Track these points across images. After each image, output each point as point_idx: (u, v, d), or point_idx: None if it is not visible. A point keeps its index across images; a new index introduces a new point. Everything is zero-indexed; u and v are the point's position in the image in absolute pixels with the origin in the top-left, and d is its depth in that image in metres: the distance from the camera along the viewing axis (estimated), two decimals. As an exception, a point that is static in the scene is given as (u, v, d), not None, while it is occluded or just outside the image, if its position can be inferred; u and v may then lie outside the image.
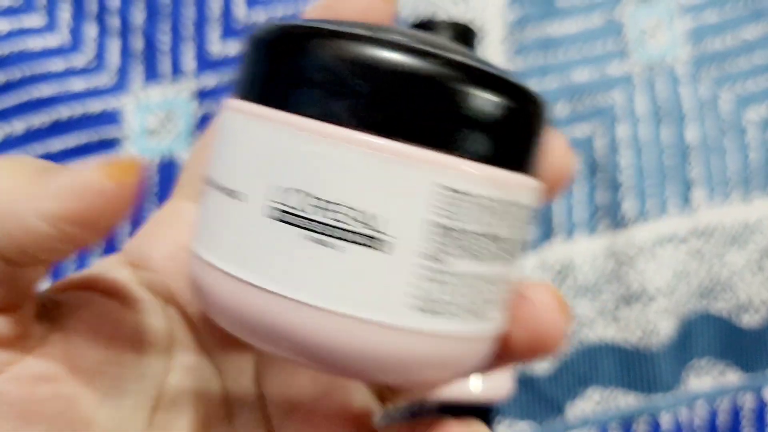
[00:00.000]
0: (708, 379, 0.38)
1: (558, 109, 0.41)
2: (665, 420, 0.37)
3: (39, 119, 0.40)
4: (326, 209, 0.15)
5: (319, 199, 0.15)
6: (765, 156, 0.41)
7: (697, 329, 0.39)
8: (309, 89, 0.15)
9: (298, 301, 0.15)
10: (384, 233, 0.15)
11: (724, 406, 0.38)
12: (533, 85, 0.42)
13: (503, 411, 0.38)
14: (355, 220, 0.15)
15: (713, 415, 0.38)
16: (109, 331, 0.19)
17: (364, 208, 0.15)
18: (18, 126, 0.40)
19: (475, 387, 0.33)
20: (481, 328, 0.16)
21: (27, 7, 0.41)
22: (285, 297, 0.15)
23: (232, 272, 0.16)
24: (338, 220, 0.15)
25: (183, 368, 0.20)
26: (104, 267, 0.20)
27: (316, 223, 0.15)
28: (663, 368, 0.38)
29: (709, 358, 0.38)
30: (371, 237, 0.15)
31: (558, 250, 0.40)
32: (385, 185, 0.15)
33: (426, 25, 0.37)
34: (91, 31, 0.41)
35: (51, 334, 0.18)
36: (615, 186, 0.40)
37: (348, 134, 0.15)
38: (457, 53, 0.15)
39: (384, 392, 0.22)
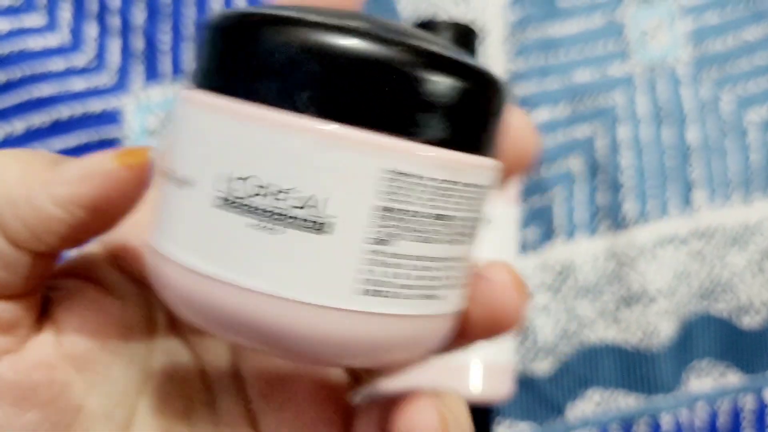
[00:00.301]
0: (708, 381, 0.38)
1: (559, 110, 0.42)
2: (666, 421, 0.38)
3: (39, 119, 0.40)
4: (271, 195, 0.15)
5: (264, 186, 0.15)
6: (766, 157, 0.41)
7: (698, 330, 0.39)
8: (252, 75, 0.15)
9: (246, 288, 0.15)
10: (329, 217, 0.15)
11: (724, 408, 0.38)
12: (534, 86, 0.43)
13: (503, 412, 0.38)
14: (300, 205, 0.15)
15: (714, 417, 0.38)
16: (96, 318, 0.19)
17: (308, 193, 0.15)
18: (18, 125, 0.40)
19: (475, 387, 0.34)
20: (436, 309, 0.16)
21: (27, 6, 0.42)
22: (234, 285, 0.15)
23: (183, 262, 0.16)
24: (283, 207, 0.15)
25: (164, 353, 0.20)
26: (84, 255, 0.21)
27: (262, 210, 0.15)
28: (663, 369, 0.38)
29: (709, 360, 0.39)
30: (315, 222, 0.15)
31: (559, 251, 0.40)
32: (330, 170, 0.15)
33: (427, 26, 0.37)
34: (91, 30, 0.42)
35: (44, 321, 0.18)
36: (616, 187, 0.41)
37: (291, 120, 0.15)
38: (411, 37, 0.15)
39: (359, 372, 0.22)
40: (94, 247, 0.21)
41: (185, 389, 0.21)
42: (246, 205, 0.15)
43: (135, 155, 0.17)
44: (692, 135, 0.41)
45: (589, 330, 0.39)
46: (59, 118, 0.40)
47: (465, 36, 0.38)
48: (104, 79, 0.41)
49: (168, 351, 0.21)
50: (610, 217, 0.40)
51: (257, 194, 0.15)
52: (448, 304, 0.17)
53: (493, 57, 0.43)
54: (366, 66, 0.15)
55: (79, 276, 0.20)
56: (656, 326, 0.39)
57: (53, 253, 0.18)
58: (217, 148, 0.15)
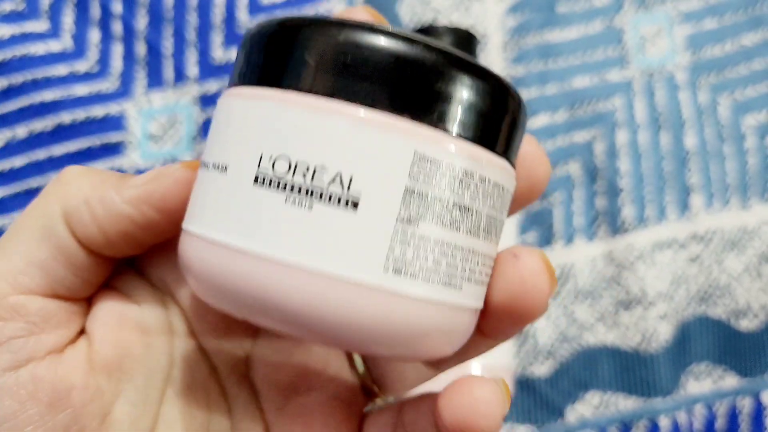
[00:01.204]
0: (706, 383, 0.39)
1: (558, 116, 0.43)
2: (664, 424, 0.38)
3: (42, 124, 0.41)
4: (307, 174, 0.16)
5: (299, 164, 0.16)
6: (763, 162, 0.42)
7: (696, 334, 0.40)
8: (291, 67, 0.17)
9: (279, 261, 0.16)
10: (359, 195, 0.16)
11: (722, 410, 0.39)
12: (533, 91, 0.44)
13: (503, 415, 0.39)
14: (333, 182, 0.16)
15: (711, 419, 0.38)
16: (118, 324, 0.20)
17: (340, 170, 0.16)
18: (21, 131, 0.41)
19: None
20: (458, 299, 0.17)
21: (30, 12, 0.42)
22: (268, 258, 0.16)
23: (216, 238, 0.17)
24: (317, 184, 0.16)
25: (184, 362, 0.21)
26: None
27: (297, 187, 0.16)
28: (662, 372, 0.39)
29: (707, 363, 0.39)
30: (347, 199, 0.16)
31: (558, 255, 0.41)
32: (360, 150, 0.16)
33: (427, 31, 0.38)
34: (94, 36, 0.43)
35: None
36: (614, 192, 0.41)
37: (327, 104, 0.16)
38: (429, 38, 0.17)
39: (372, 387, 0.23)
40: None
41: (204, 398, 0.21)
42: (283, 182, 0.16)
43: (198, 163, 0.19)
44: (690, 140, 0.42)
45: (588, 333, 0.40)
46: (62, 123, 0.41)
47: (465, 41, 0.39)
48: (106, 84, 0.42)
49: (190, 362, 0.21)
50: (609, 221, 0.41)
51: (293, 173, 0.16)
52: (470, 298, 0.18)
53: (492, 63, 0.44)
54: (394, 59, 0.16)
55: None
56: (655, 329, 0.39)
57: (116, 258, 0.19)
58: (255, 132, 0.17)
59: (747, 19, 0.44)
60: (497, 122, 0.18)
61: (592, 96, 0.43)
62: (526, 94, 0.43)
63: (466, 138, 0.17)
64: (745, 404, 0.38)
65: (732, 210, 0.41)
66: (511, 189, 0.19)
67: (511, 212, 0.20)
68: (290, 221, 0.16)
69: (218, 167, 0.17)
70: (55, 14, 0.43)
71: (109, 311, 0.20)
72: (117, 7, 0.43)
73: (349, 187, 0.16)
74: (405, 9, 0.44)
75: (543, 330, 0.40)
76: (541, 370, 0.39)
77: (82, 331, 0.20)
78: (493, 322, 0.19)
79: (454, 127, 0.17)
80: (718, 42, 0.44)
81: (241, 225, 0.17)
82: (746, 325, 0.40)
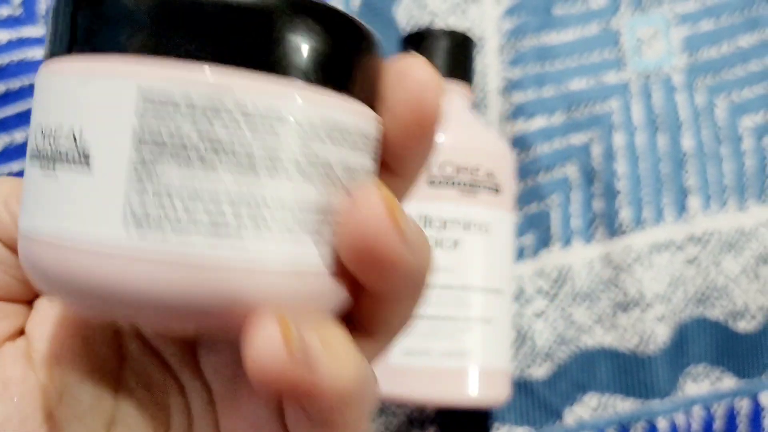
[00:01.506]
0: (704, 385, 0.39)
1: (555, 118, 0.43)
2: (662, 425, 0.39)
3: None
4: (49, 138, 0.15)
5: (45, 130, 0.15)
6: (761, 163, 0.42)
7: (694, 335, 0.40)
8: (50, 35, 0.16)
9: (42, 240, 0.15)
10: (89, 149, 0.15)
11: (720, 412, 0.39)
12: (530, 94, 0.44)
13: (501, 416, 0.39)
14: (66, 141, 0.15)
15: (709, 421, 0.39)
16: (61, 323, 0.20)
17: (71, 127, 0.15)
18: (18, 136, 0.41)
19: (472, 392, 0.35)
20: (235, 252, 0.15)
21: (27, 17, 0.43)
22: (36, 239, 0.15)
23: (20, 228, 0.16)
24: (55, 147, 0.15)
25: (136, 360, 0.21)
26: None
27: (44, 154, 0.15)
28: (660, 374, 0.39)
29: (705, 364, 0.40)
30: (77, 155, 0.15)
31: (555, 258, 0.41)
32: (87, 101, 0.15)
33: (423, 35, 0.39)
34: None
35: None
36: (612, 194, 0.42)
37: (60, 65, 0.16)
38: None
39: None
40: None
41: (162, 395, 0.22)
42: (38, 153, 0.16)
43: None
44: (687, 142, 0.42)
45: (585, 335, 0.40)
46: (59, 128, 0.41)
47: (461, 45, 0.39)
48: (104, 89, 0.42)
49: (138, 357, 0.22)
50: (606, 223, 0.42)
51: (42, 139, 0.15)
52: (263, 248, 0.15)
53: (489, 66, 0.44)
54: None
55: None
56: (652, 331, 0.40)
57: None
58: (35, 106, 0.16)
59: (743, 21, 0.44)
60: (245, 30, 0.15)
61: (589, 98, 0.43)
62: (522, 96, 0.43)
63: (211, 62, 0.15)
64: (743, 405, 0.39)
65: (729, 212, 0.41)
66: (324, 115, 0.16)
67: (419, 148, 0.18)
68: (42, 192, 0.15)
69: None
70: (52, 19, 0.43)
71: (50, 311, 0.20)
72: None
73: (79, 141, 0.15)
74: (401, 12, 0.44)
75: (541, 332, 0.40)
76: (539, 372, 0.40)
77: (22, 332, 0.20)
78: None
79: (182, 51, 0.15)
80: (715, 44, 0.44)
81: (25, 208, 0.16)
82: (744, 326, 0.40)
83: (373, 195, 0.16)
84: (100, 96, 0.15)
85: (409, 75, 0.17)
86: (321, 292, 0.16)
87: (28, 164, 0.16)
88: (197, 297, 0.15)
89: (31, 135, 0.16)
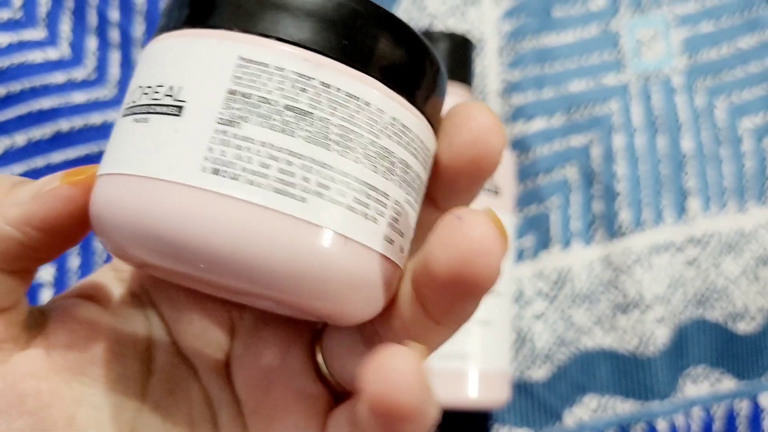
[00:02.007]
0: (704, 386, 0.40)
1: (554, 120, 0.43)
2: (661, 427, 0.39)
3: (40, 132, 0.42)
4: (150, 93, 0.18)
5: (143, 86, 0.18)
6: (760, 165, 0.43)
7: (693, 337, 0.40)
8: (165, 13, 0.19)
9: (130, 175, 0.17)
10: (183, 101, 0.17)
11: (719, 413, 0.39)
12: (530, 96, 0.44)
13: (501, 418, 0.40)
14: (165, 94, 0.17)
15: (709, 422, 0.39)
16: (87, 333, 0.20)
17: (171, 83, 0.17)
18: (19, 139, 0.42)
19: (472, 393, 0.35)
20: (298, 210, 0.16)
21: (27, 20, 0.43)
22: (125, 175, 0.17)
23: (101, 171, 0.18)
24: (153, 99, 0.17)
25: (163, 368, 0.22)
26: (93, 276, 0.22)
27: (140, 106, 0.18)
28: (659, 375, 0.40)
29: (705, 366, 0.40)
30: (173, 106, 0.17)
31: (555, 259, 0.42)
32: (186, 61, 0.17)
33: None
34: (91, 44, 0.43)
35: (35, 338, 0.20)
36: (611, 195, 0.42)
37: (165, 37, 0.18)
38: None
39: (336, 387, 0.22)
40: (107, 266, 0.23)
41: (186, 404, 0.22)
42: (134, 106, 0.18)
43: (81, 173, 0.18)
44: (687, 143, 0.43)
45: (585, 337, 0.41)
46: (60, 130, 0.42)
47: (461, 47, 0.40)
48: (104, 91, 0.43)
49: (166, 364, 0.22)
50: (606, 225, 0.42)
51: (140, 95, 0.18)
52: (326, 218, 0.17)
53: (488, 68, 0.44)
54: None
55: (81, 295, 0.21)
56: (652, 333, 0.40)
57: (21, 271, 0.19)
58: (136, 74, 0.19)
59: (743, 22, 0.45)
60: (337, 28, 0.18)
61: (589, 100, 0.43)
62: (522, 98, 0.44)
63: (298, 43, 0.17)
64: (743, 407, 0.39)
65: (729, 213, 0.42)
66: (395, 115, 0.18)
67: (468, 188, 0.20)
68: (135, 137, 0.17)
69: (125, 107, 0.19)
70: (52, 22, 0.43)
71: (80, 320, 0.20)
72: (114, 15, 0.44)
73: (176, 95, 0.17)
74: (401, 14, 0.45)
75: (540, 334, 0.41)
76: (539, 374, 0.40)
77: (32, 341, 0.20)
78: (439, 298, 0.17)
79: (280, 32, 0.17)
80: (715, 45, 0.44)
81: (114, 156, 0.18)
82: (743, 327, 0.40)
83: (485, 217, 0.16)
84: (203, 58, 0.17)
85: (475, 117, 0.19)
86: (367, 272, 0.18)
87: (119, 120, 0.18)
88: (254, 246, 0.16)
89: (129, 96, 0.18)
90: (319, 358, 0.22)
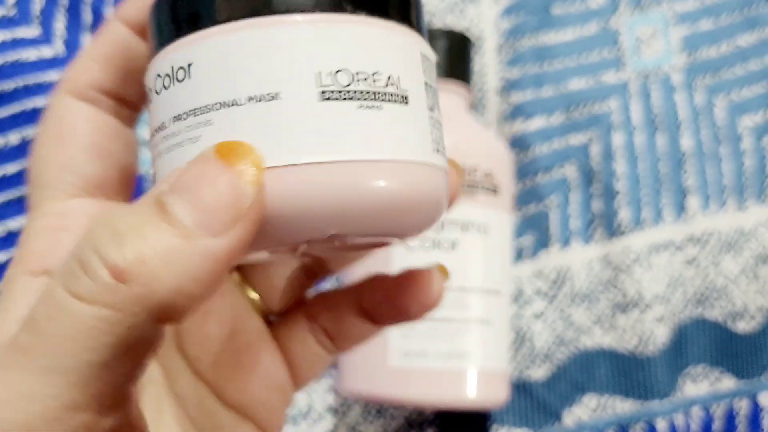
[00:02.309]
0: (703, 386, 0.40)
1: (554, 118, 0.43)
2: (661, 426, 0.39)
3: (35, 130, 0.41)
4: (368, 80, 0.19)
5: (360, 72, 0.19)
6: (760, 163, 0.43)
7: (693, 336, 0.41)
8: None
9: (359, 161, 0.18)
10: (406, 91, 0.19)
11: (719, 412, 0.39)
12: (529, 94, 0.44)
13: (500, 418, 0.40)
14: (388, 83, 0.19)
15: (709, 421, 0.39)
16: None
17: (390, 73, 0.19)
18: (13, 137, 0.41)
19: (471, 393, 0.35)
20: (444, 162, 0.21)
21: (21, 18, 0.43)
22: (351, 161, 0.18)
23: (297, 161, 0.18)
24: (377, 87, 0.19)
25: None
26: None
27: (362, 93, 0.19)
28: (659, 375, 0.40)
29: (704, 365, 0.40)
30: (399, 95, 0.19)
31: (554, 259, 0.42)
32: (397, 53, 0.20)
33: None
34: (86, 42, 0.43)
35: None
36: (611, 194, 0.42)
37: (360, 18, 0.19)
38: None
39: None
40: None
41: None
42: (349, 91, 0.19)
43: (250, 163, 0.18)
44: (687, 142, 0.43)
45: (585, 336, 0.41)
46: (55, 129, 0.42)
47: (459, 44, 0.40)
48: (99, 90, 0.43)
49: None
50: (605, 224, 0.42)
51: (358, 80, 0.19)
52: (443, 159, 0.21)
53: (487, 65, 0.44)
54: None
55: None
56: (651, 332, 0.40)
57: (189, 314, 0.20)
58: (303, 54, 0.19)
59: (743, 20, 0.45)
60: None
61: (588, 98, 0.44)
62: (521, 96, 0.44)
63: (420, 31, 0.21)
64: (743, 406, 0.39)
65: (728, 212, 0.42)
66: (423, 52, 0.21)
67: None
68: (367, 123, 0.19)
69: (260, 98, 0.18)
70: (46, 20, 0.43)
71: None
72: (109, 13, 0.44)
73: (398, 85, 0.19)
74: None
75: (539, 333, 0.41)
76: (538, 373, 0.40)
77: None
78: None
79: (418, 25, 0.21)
80: (714, 43, 0.44)
81: (319, 140, 0.18)
82: (743, 326, 0.41)
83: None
84: (405, 51, 0.20)
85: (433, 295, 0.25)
86: (444, 188, 0.21)
87: (315, 101, 0.18)
88: (431, 194, 0.20)
89: (322, 75, 0.19)
90: (253, 295, 0.25)
